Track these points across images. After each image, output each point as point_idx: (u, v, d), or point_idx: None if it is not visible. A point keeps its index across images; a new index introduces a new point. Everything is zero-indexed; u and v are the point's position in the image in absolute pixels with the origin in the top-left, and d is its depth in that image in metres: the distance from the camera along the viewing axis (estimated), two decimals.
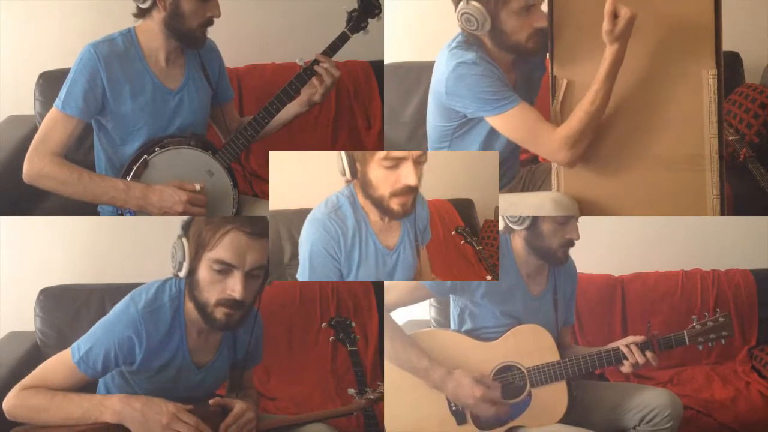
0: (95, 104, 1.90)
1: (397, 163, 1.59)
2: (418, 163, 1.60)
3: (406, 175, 1.59)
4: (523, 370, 1.85)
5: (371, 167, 1.61)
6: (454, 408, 1.86)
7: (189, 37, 1.94)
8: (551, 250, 1.85)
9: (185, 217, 1.67)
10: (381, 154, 1.60)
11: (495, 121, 1.83)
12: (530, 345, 1.86)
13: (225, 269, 1.60)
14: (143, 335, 1.63)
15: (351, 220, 1.63)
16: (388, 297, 1.88)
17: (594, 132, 1.80)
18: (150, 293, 1.67)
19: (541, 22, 1.81)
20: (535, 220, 1.83)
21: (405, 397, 1.87)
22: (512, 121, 1.82)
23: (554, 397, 1.86)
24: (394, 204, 1.61)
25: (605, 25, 1.71)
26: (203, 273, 1.61)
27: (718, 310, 1.87)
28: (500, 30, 1.82)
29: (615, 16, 1.70)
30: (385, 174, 1.60)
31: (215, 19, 1.94)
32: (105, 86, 1.89)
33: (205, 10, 1.91)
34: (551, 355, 1.86)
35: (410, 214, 1.65)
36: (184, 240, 1.62)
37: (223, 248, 1.59)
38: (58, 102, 1.89)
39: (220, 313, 1.62)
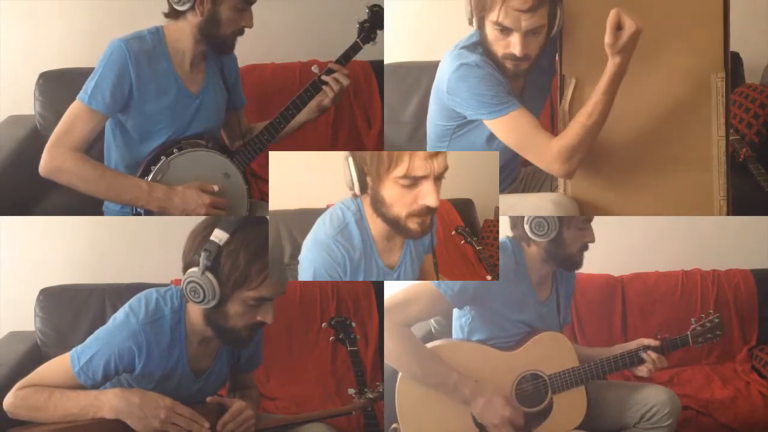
0: (122, 100, 1.87)
1: (415, 181, 1.42)
2: (439, 179, 1.43)
3: (426, 194, 1.42)
4: (545, 378, 1.85)
5: (385, 185, 1.44)
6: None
7: (220, 44, 1.95)
8: (571, 256, 1.84)
9: (209, 252, 1.53)
10: (399, 170, 1.41)
11: (492, 124, 1.82)
12: (551, 352, 1.86)
13: (261, 303, 1.59)
14: (143, 347, 1.63)
15: (357, 240, 1.50)
16: (409, 312, 1.81)
17: (591, 144, 1.77)
18: (151, 305, 1.65)
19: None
20: (560, 231, 1.80)
21: (423, 415, 1.82)
22: (508, 126, 1.79)
23: (573, 402, 1.86)
24: (412, 223, 1.46)
25: (607, 38, 1.65)
26: (236, 307, 1.59)
27: (711, 311, 1.96)
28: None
29: (619, 28, 1.64)
30: (401, 193, 1.44)
31: None
32: (133, 83, 1.87)
33: (240, 19, 1.92)
34: (571, 361, 1.86)
35: (429, 232, 1.51)
36: (211, 276, 1.54)
37: (266, 288, 1.57)
38: (84, 96, 1.85)
39: (245, 333, 1.63)
